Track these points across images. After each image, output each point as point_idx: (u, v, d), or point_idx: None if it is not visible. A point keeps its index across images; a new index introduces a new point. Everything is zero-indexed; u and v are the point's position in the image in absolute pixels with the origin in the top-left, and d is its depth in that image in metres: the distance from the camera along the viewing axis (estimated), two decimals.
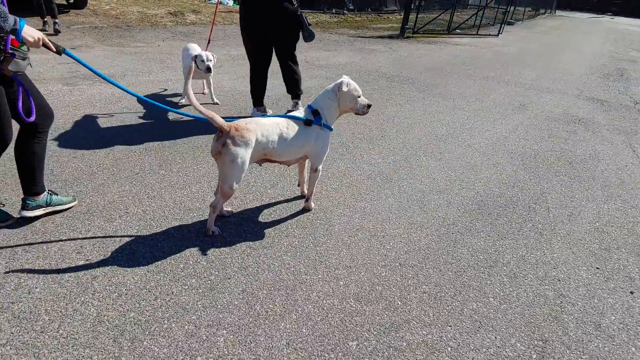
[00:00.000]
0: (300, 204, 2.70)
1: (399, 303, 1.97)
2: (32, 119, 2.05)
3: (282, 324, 1.77)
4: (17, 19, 1.75)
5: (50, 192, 2.33)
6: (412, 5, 12.08)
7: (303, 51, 7.92)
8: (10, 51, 1.85)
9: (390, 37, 11.62)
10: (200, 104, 2.01)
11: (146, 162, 3.04)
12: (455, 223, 2.71)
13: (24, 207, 2.21)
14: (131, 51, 6.51)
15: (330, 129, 2.45)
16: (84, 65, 2.08)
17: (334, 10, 15.26)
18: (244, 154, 2.08)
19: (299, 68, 4.18)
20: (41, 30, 6.72)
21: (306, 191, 2.69)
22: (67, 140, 3.26)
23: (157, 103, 2.28)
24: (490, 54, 10.29)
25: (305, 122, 2.33)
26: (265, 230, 2.40)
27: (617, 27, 24.57)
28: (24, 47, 1.91)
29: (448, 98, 5.80)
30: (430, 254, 2.37)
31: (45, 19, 6.75)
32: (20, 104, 1.98)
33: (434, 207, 2.87)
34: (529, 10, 25.26)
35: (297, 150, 2.34)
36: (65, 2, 9.51)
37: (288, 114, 2.36)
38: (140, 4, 11.13)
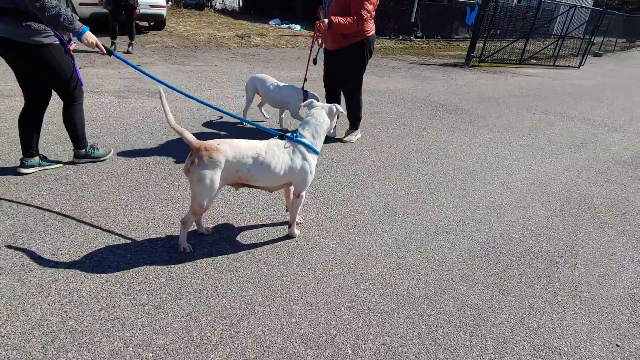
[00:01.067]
0: (287, 230, 2.60)
1: (349, 352, 1.76)
2: (82, 83, 2.89)
3: (212, 356, 1.67)
4: (83, 26, 2.39)
5: (42, 156, 3.02)
6: (486, 32, 11.55)
7: None
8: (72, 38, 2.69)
9: (454, 65, 11.24)
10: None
11: (154, 173, 3.16)
12: (451, 269, 2.42)
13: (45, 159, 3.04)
14: (189, 69, 6.98)
15: (318, 153, 2.36)
16: (128, 63, 2.62)
17: (400, 37, 15.19)
18: (212, 174, 2.03)
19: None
20: (127, 52, 7.47)
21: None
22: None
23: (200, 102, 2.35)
24: (562, 86, 9.47)
25: (280, 137, 2.30)
26: (238, 253, 2.33)
27: None
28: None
29: (495, 130, 5.38)
30: (409, 301, 2.12)
31: (115, 41, 7.47)
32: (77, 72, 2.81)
33: (433, 249, 2.60)
34: (623, 42, 23.06)
35: (277, 177, 2.22)
36: (147, 24, 10.57)
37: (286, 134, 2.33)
38: (213, 27, 12.00)
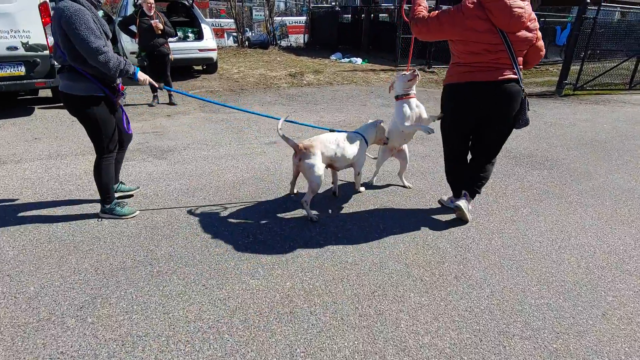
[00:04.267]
0: None
1: None
2: (131, 131, 3.23)
3: None
4: (135, 67, 2.75)
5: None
6: (582, 54, 9.51)
7: None
8: (122, 91, 2.92)
9: (542, 95, 9.39)
10: None
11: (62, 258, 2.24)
12: None
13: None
14: (219, 118, 6.30)
15: (367, 144, 3.33)
16: (183, 94, 4.00)
17: None
18: (316, 161, 2.93)
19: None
20: (149, 104, 6.99)
21: (337, 190, 3.62)
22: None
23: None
24: None
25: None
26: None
27: None
28: (125, 92, 2.99)
29: (605, 198, 3.72)
30: None
31: (156, 94, 7.07)
32: (125, 123, 3.08)
33: None
34: None
35: (349, 158, 3.17)
36: (201, 68, 10.44)
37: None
38: (268, 66, 11.58)
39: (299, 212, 3.28)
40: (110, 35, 2.83)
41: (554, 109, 7.79)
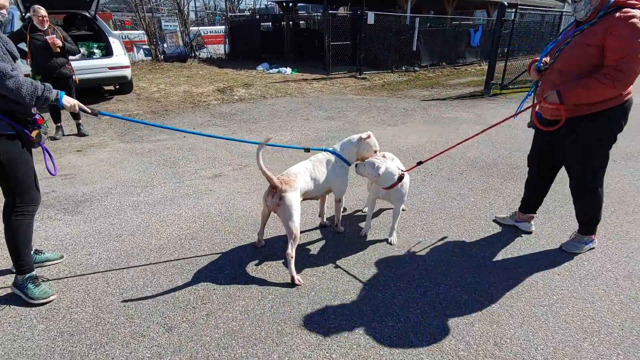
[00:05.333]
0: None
1: None
2: (55, 173, 2.47)
3: None
4: (58, 91, 2.20)
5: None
6: (502, 55, 9.90)
7: (363, 130, 6.22)
8: (40, 125, 2.27)
9: (473, 96, 9.58)
10: None
11: None
12: None
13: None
14: (145, 149, 5.29)
15: (349, 164, 2.87)
16: (124, 119, 3.37)
17: (403, 68, 13.69)
18: (296, 198, 2.47)
19: None
20: (52, 138, 5.67)
21: (326, 220, 3.23)
22: None
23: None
24: None
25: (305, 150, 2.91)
26: None
27: None
28: (45, 125, 2.31)
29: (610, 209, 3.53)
30: None
31: (59, 124, 5.80)
32: (47, 163, 2.37)
33: None
34: None
35: (323, 186, 2.75)
36: (112, 88, 9.11)
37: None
38: (192, 82, 10.55)
39: (274, 274, 2.58)
40: (18, 55, 2.28)
41: (491, 109, 7.89)
